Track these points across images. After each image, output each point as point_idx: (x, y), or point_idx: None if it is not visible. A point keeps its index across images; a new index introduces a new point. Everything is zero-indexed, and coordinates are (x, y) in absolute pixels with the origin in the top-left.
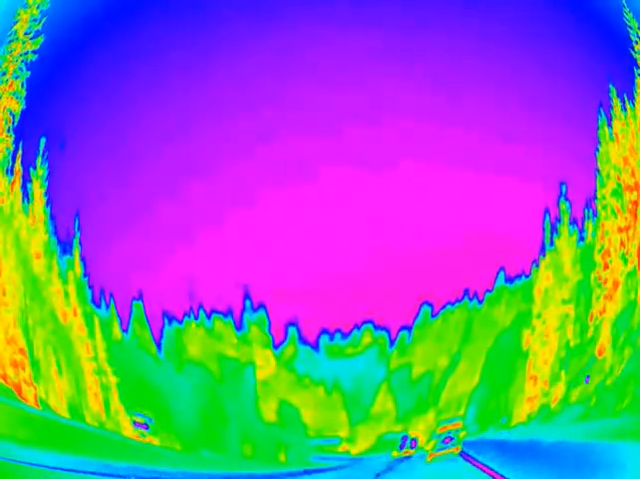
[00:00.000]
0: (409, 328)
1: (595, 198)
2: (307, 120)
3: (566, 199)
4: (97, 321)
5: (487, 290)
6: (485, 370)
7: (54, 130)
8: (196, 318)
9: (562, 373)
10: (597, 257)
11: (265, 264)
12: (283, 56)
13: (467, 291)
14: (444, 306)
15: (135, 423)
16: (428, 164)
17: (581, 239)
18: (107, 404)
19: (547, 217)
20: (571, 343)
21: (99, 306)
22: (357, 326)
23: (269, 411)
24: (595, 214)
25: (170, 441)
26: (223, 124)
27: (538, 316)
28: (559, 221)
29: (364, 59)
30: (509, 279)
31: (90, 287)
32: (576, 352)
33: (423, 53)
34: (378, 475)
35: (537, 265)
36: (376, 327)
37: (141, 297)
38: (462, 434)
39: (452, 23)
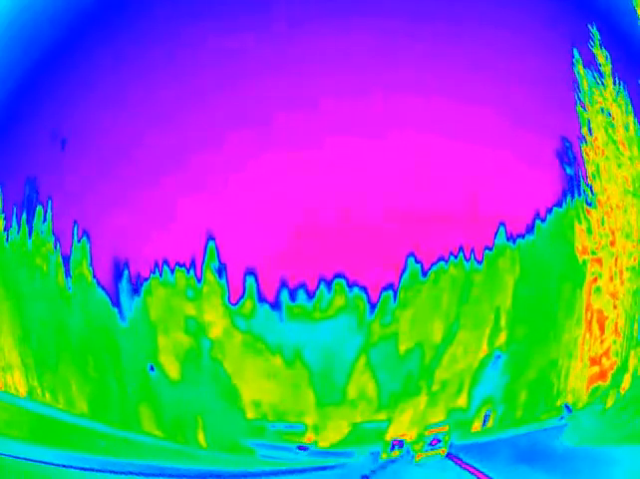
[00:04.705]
0: (394, 289)
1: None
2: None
3: (602, 46)
4: None
5: (487, 247)
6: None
7: None
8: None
9: None
10: None
11: (224, 204)
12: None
13: (462, 247)
14: (435, 263)
15: None
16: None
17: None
18: None
19: (577, 57)
20: None
21: None
22: (326, 282)
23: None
24: None
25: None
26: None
27: (592, 205)
28: (597, 72)
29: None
30: (512, 237)
31: None
32: None
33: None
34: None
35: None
36: (351, 286)
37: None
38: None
39: None
